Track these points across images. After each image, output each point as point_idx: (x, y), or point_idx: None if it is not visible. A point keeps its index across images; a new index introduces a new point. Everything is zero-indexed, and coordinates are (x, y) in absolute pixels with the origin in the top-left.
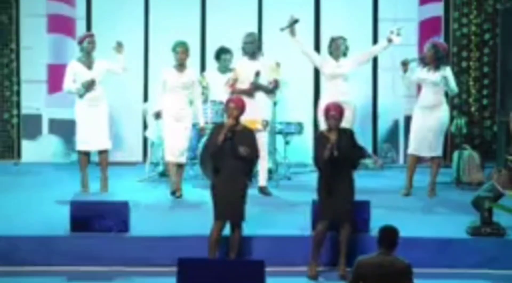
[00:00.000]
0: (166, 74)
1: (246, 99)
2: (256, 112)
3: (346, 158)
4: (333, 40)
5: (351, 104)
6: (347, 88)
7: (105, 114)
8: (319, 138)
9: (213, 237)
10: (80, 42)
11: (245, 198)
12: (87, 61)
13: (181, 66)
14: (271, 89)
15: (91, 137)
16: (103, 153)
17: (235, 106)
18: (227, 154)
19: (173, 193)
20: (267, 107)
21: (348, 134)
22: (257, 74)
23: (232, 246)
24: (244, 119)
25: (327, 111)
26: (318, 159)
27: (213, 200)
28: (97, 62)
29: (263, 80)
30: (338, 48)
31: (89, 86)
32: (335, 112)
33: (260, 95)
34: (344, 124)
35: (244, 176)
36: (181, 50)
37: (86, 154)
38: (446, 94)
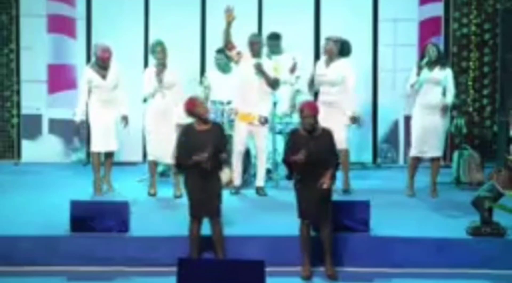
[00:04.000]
0: (148, 75)
1: (244, 92)
2: (252, 106)
3: (320, 157)
4: (325, 39)
5: (341, 107)
6: (336, 93)
7: (115, 116)
8: (293, 137)
9: (193, 236)
10: (99, 59)
11: (220, 192)
12: (104, 71)
13: (162, 66)
14: (273, 81)
15: (102, 138)
16: (110, 154)
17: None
18: (198, 151)
19: (151, 194)
20: (266, 104)
21: (327, 135)
22: (258, 63)
23: (216, 244)
24: (240, 112)
25: (301, 111)
26: (286, 159)
27: (189, 197)
28: (111, 70)
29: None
30: (324, 51)
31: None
32: (308, 110)
33: (257, 91)
34: (335, 126)
35: (217, 171)
36: (159, 50)
37: (99, 155)
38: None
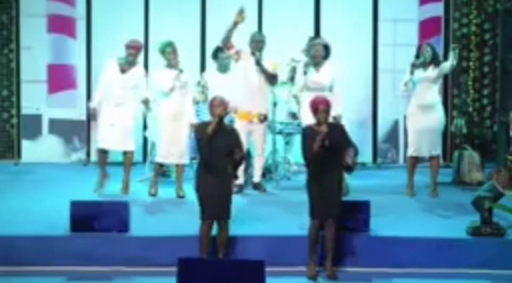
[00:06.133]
0: (161, 75)
1: (245, 90)
2: (252, 104)
3: (334, 151)
4: (312, 45)
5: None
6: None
7: (129, 116)
8: (308, 132)
9: (204, 238)
10: (127, 47)
11: (231, 196)
12: (125, 65)
13: (174, 66)
14: (272, 76)
15: (110, 136)
16: (127, 154)
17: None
18: (216, 152)
19: (151, 194)
20: (265, 102)
21: (339, 129)
22: (257, 56)
23: (220, 245)
24: (240, 111)
25: (315, 106)
26: (308, 152)
27: (200, 200)
28: (134, 69)
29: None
30: (315, 56)
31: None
32: (323, 106)
33: (258, 89)
34: None
35: (231, 174)
36: (171, 50)
37: (105, 152)
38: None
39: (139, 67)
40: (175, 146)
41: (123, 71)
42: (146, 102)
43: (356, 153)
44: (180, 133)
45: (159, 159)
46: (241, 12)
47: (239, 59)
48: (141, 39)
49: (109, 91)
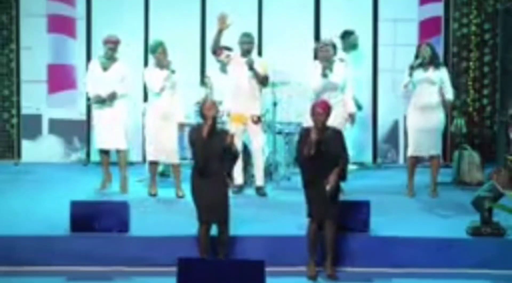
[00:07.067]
0: (151, 75)
1: (236, 93)
2: (243, 107)
3: (330, 156)
4: (322, 47)
5: (339, 110)
6: (337, 95)
7: (119, 114)
8: (304, 134)
9: (203, 240)
10: (105, 43)
11: (228, 197)
12: (106, 62)
13: (164, 66)
14: (263, 78)
15: (105, 136)
16: (120, 152)
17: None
18: (211, 157)
19: (151, 194)
20: (257, 103)
21: (336, 134)
22: (251, 60)
23: (221, 247)
24: (232, 113)
25: (313, 108)
26: (299, 155)
27: (196, 203)
28: (116, 64)
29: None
30: (325, 57)
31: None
32: (320, 109)
33: (248, 91)
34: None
35: (226, 176)
36: (161, 50)
37: (106, 153)
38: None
39: (120, 63)
40: (163, 144)
41: (104, 69)
42: (112, 96)
43: (346, 163)
44: (169, 132)
45: (149, 157)
46: (223, 19)
47: (229, 62)
48: (141, 39)
49: (98, 90)
